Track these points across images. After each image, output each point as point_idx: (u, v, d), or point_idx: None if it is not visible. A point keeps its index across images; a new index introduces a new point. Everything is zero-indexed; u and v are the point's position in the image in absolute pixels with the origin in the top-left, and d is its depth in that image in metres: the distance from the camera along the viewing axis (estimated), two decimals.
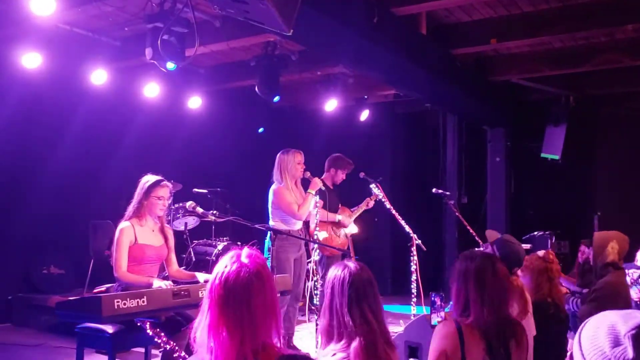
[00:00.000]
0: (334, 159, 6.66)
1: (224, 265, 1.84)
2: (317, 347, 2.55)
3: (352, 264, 2.52)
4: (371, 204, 6.67)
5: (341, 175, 6.60)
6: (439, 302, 3.66)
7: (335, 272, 2.51)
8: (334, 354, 2.34)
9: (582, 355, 1.22)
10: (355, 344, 2.34)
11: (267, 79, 7.12)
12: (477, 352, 2.62)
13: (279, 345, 1.86)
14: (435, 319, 3.58)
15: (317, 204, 5.85)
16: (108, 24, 6.52)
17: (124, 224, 4.23)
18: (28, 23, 6.08)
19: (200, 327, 1.81)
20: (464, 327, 2.66)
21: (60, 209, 7.41)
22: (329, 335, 2.44)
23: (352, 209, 6.80)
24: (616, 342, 1.18)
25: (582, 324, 1.25)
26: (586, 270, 5.65)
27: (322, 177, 6.60)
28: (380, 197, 6.36)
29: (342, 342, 2.38)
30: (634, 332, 1.17)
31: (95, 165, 7.72)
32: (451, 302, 2.89)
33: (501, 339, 2.66)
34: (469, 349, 2.62)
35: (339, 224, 6.54)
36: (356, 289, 2.43)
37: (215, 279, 1.84)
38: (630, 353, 1.15)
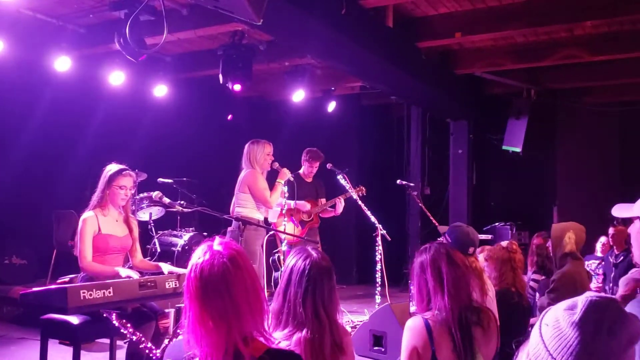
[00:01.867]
0: (305, 152, 6.77)
1: (197, 257, 1.82)
2: None
3: (314, 253, 2.50)
4: (340, 208, 6.73)
5: (309, 168, 6.64)
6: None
7: (295, 258, 2.49)
8: (279, 342, 2.34)
9: (540, 320, 1.25)
10: (301, 334, 2.34)
11: (233, 69, 7.09)
12: (445, 344, 2.65)
13: (266, 334, 1.84)
14: (413, 307, 3.65)
15: (286, 195, 5.88)
16: (73, 10, 6.42)
17: (87, 214, 4.18)
18: None
19: (187, 324, 1.79)
20: (431, 322, 2.67)
21: (23, 198, 7.29)
22: (278, 319, 2.43)
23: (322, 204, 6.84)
24: (571, 307, 1.21)
25: (545, 311, 1.28)
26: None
27: (300, 171, 6.70)
28: (347, 187, 6.43)
29: (288, 329, 2.38)
30: (590, 298, 1.20)
31: (58, 154, 7.60)
32: (414, 301, 2.91)
33: (464, 326, 2.68)
34: (438, 343, 2.64)
35: (298, 213, 6.59)
36: (314, 281, 2.41)
37: (190, 272, 1.81)
38: (577, 316, 1.18)
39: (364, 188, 6.72)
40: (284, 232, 5.85)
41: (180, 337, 1.95)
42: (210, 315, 1.75)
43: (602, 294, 1.27)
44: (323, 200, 6.82)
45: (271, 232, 6.12)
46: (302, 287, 2.41)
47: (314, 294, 2.41)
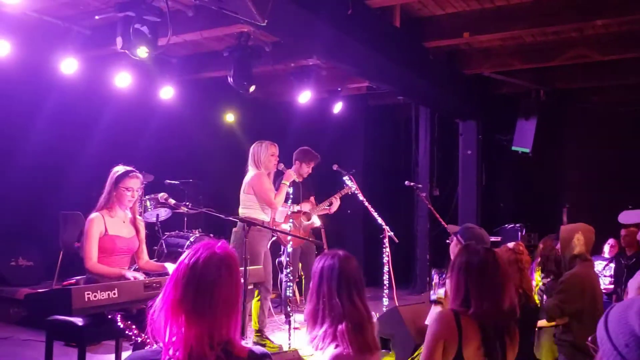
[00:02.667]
0: (298, 152, 6.63)
1: (197, 249, 1.84)
2: (308, 340, 2.54)
3: (342, 253, 2.58)
4: (335, 205, 6.67)
5: (306, 169, 6.55)
6: (437, 280, 3.70)
7: (323, 260, 2.56)
8: (336, 345, 2.35)
9: (609, 336, 1.20)
10: (341, 326, 2.37)
11: (240, 70, 7.07)
12: (473, 344, 2.64)
13: (240, 341, 1.84)
14: (433, 296, 3.63)
15: (291, 196, 5.85)
16: (78, 12, 6.42)
17: (93, 215, 4.18)
18: None
19: (159, 308, 1.78)
20: (463, 318, 2.66)
21: (30, 200, 7.30)
22: (314, 319, 2.46)
23: (317, 204, 6.78)
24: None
25: (609, 308, 1.24)
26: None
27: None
28: (353, 189, 6.39)
29: (326, 325, 2.40)
30: None
31: (65, 156, 7.61)
32: (436, 290, 2.91)
33: (498, 332, 2.69)
34: (467, 340, 2.63)
35: (299, 215, 6.54)
36: (347, 276, 2.49)
37: (185, 259, 1.82)
38: None
39: (350, 187, 6.69)
40: (288, 233, 5.82)
41: (140, 351, 1.93)
42: (185, 309, 1.75)
43: None
44: (313, 199, 6.79)
45: (274, 237, 6.09)
46: (335, 280, 2.47)
47: (348, 284, 2.47)
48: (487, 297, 2.69)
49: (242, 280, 1.94)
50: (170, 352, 1.74)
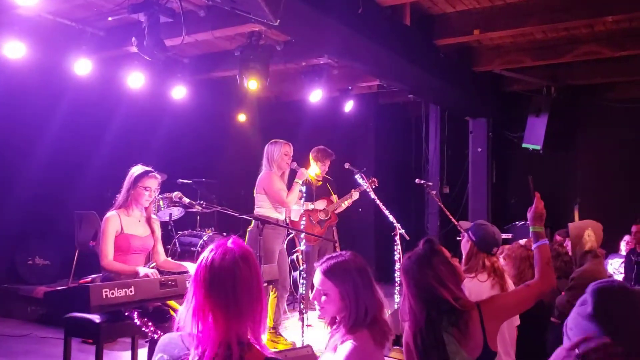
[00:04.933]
0: (314, 151, 6.73)
1: (210, 250, 1.87)
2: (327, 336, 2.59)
3: (346, 254, 2.60)
4: (355, 195, 6.68)
5: (322, 167, 6.62)
6: None
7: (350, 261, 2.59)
8: (353, 342, 2.39)
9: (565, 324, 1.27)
10: (367, 322, 2.44)
11: (251, 69, 7.11)
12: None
13: (261, 342, 1.86)
14: None
15: (304, 195, 5.89)
16: (92, 13, 6.48)
17: (110, 214, 4.24)
18: (11, 12, 6.04)
19: (186, 313, 1.82)
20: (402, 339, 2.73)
21: (45, 200, 7.38)
22: (347, 320, 2.50)
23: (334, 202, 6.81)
24: (582, 302, 1.23)
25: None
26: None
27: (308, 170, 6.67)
28: (365, 187, 6.42)
29: (356, 325, 2.45)
30: (595, 287, 1.22)
31: (80, 156, 7.69)
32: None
33: (433, 329, 2.64)
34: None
35: (315, 212, 6.58)
36: (368, 273, 2.54)
37: (201, 262, 1.86)
38: (589, 308, 1.20)
39: (375, 180, 6.70)
40: (303, 231, 5.86)
41: (171, 333, 1.98)
42: (211, 307, 1.78)
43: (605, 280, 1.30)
44: (336, 197, 6.81)
45: (291, 234, 6.13)
46: (368, 279, 2.52)
47: (370, 284, 2.53)
48: (415, 297, 2.69)
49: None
50: (199, 350, 1.77)
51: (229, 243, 1.87)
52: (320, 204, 6.56)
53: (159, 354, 1.90)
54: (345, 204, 6.78)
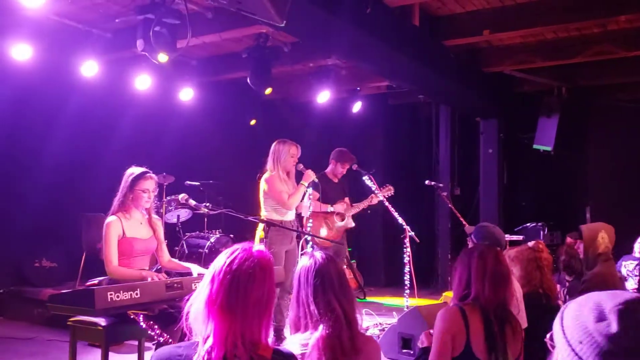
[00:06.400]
0: (334, 152, 6.65)
1: (235, 249, 1.93)
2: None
3: (319, 254, 2.49)
4: (375, 200, 6.58)
5: (341, 169, 6.56)
6: None
7: (302, 262, 2.51)
8: (301, 352, 2.31)
9: (564, 333, 1.19)
10: (317, 333, 2.31)
11: (258, 71, 7.10)
12: (479, 332, 2.71)
13: (269, 343, 1.91)
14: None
15: (310, 196, 5.83)
16: (99, 15, 6.48)
17: (110, 219, 4.18)
18: (18, 14, 6.04)
19: (197, 300, 1.88)
20: (466, 308, 2.75)
21: (52, 202, 7.37)
22: (296, 326, 2.42)
23: (352, 204, 6.71)
24: (600, 317, 1.14)
25: (565, 305, 1.23)
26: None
27: (326, 170, 6.59)
28: (374, 189, 6.36)
29: (307, 332, 2.35)
30: (620, 307, 1.14)
31: (87, 158, 7.68)
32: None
33: (499, 319, 2.74)
34: (473, 330, 2.70)
35: (332, 216, 6.51)
36: (322, 278, 2.40)
37: (222, 257, 1.92)
38: (614, 327, 1.12)
39: (391, 187, 6.62)
40: (308, 234, 5.81)
41: (166, 347, 2.00)
42: (220, 300, 1.84)
43: (620, 299, 1.19)
44: (348, 200, 6.74)
45: (301, 236, 6.06)
46: (311, 285, 2.41)
47: (323, 288, 2.40)
48: (488, 281, 2.79)
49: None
50: (206, 346, 1.82)
51: (254, 249, 1.94)
52: (340, 207, 6.49)
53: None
54: (362, 207, 6.68)
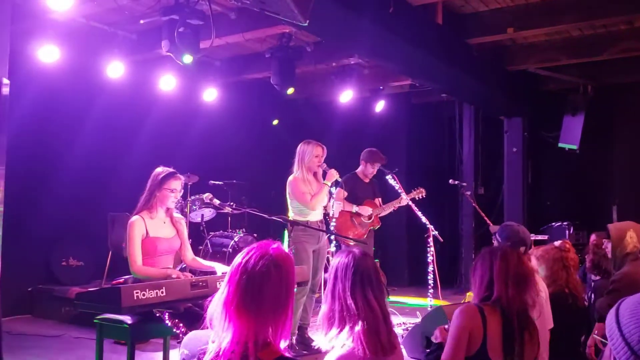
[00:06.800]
0: (365, 152, 6.61)
1: (251, 249, 1.93)
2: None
3: (356, 250, 2.52)
4: (404, 202, 6.54)
5: (371, 170, 6.53)
6: None
7: (338, 258, 2.52)
8: (343, 345, 2.33)
9: (619, 326, 1.17)
10: (358, 327, 2.33)
11: (281, 71, 7.12)
12: (497, 332, 2.68)
13: (284, 342, 1.90)
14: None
15: (333, 196, 5.83)
16: (124, 17, 6.55)
17: (134, 218, 4.19)
18: (45, 17, 6.13)
19: (216, 301, 1.90)
20: (486, 309, 2.72)
21: (79, 202, 7.47)
22: (330, 320, 2.43)
23: (382, 205, 6.67)
24: None
25: (619, 301, 1.20)
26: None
27: (357, 170, 6.57)
28: (397, 188, 6.33)
29: (345, 327, 2.37)
30: None
31: (112, 158, 7.77)
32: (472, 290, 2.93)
33: (518, 322, 2.71)
34: (491, 329, 2.68)
35: (358, 215, 6.48)
36: (360, 274, 2.42)
37: (239, 258, 1.93)
38: None
39: (423, 190, 6.57)
40: (333, 233, 5.81)
41: (198, 331, 2.05)
42: (237, 301, 1.85)
43: None
44: (379, 200, 6.71)
45: (327, 235, 6.06)
46: (350, 280, 2.42)
47: (362, 284, 2.42)
48: (510, 283, 2.75)
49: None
50: (224, 346, 1.83)
51: (270, 248, 1.93)
52: (365, 210, 6.45)
53: (182, 349, 1.96)
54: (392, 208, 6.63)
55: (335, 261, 2.52)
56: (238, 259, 1.93)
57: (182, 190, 4.44)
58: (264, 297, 1.85)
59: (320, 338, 2.46)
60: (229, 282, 1.89)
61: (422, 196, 6.53)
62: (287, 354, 1.91)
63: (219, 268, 4.24)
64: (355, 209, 6.38)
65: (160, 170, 4.33)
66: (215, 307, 1.89)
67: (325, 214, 6.02)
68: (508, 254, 2.84)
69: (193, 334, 2.01)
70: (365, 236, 6.45)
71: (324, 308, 2.48)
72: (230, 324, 1.84)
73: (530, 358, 2.75)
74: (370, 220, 6.54)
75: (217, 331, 1.88)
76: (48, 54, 6.42)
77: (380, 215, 6.58)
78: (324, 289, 6.53)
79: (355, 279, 2.42)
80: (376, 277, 2.48)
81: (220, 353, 1.82)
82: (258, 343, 1.82)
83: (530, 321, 2.81)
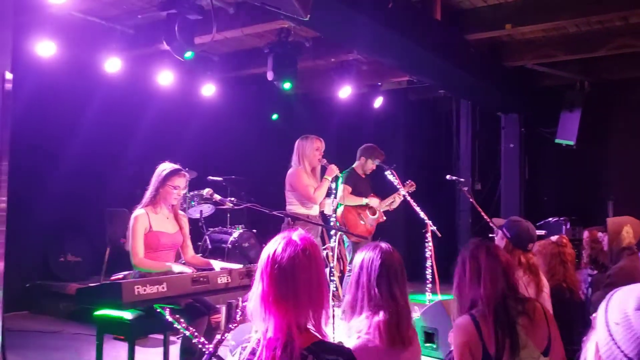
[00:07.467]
0: (364, 148, 6.62)
1: (276, 241, 1.97)
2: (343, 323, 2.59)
3: (384, 245, 2.58)
4: (399, 197, 6.54)
5: (371, 165, 6.55)
6: None
7: (366, 251, 2.56)
8: (358, 336, 2.35)
9: (606, 314, 1.19)
10: (379, 317, 2.37)
11: (280, 66, 7.10)
12: (491, 336, 2.63)
13: (321, 330, 1.95)
14: None
15: (333, 192, 5.84)
16: (122, 11, 6.54)
17: (138, 212, 4.22)
18: (42, 11, 6.11)
19: (254, 297, 1.93)
20: (477, 316, 2.67)
21: (77, 197, 7.46)
22: (353, 309, 2.48)
23: (382, 200, 6.68)
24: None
25: (614, 290, 1.22)
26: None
27: (354, 166, 6.58)
28: (395, 183, 6.34)
29: (365, 314, 2.40)
30: None
31: (110, 154, 7.75)
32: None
33: (505, 315, 2.64)
34: (487, 336, 2.62)
35: (365, 210, 6.49)
36: (387, 267, 2.48)
37: (266, 251, 1.96)
38: None
39: (414, 183, 6.60)
40: (344, 231, 5.83)
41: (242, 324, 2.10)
42: (273, 294, 1.89)
43: None
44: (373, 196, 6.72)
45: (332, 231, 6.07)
46: (376, 271, 2.48)
47: (388, 276, 2.48)
48: (484, 280, 2.68)
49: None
50: (267, 334, 1.88)
51: (294, 236, 1.96)
52: (375, 201, 6.48)
53: (230, 340, 2.02)
54: (396, 201, 6.62)
55: (360, 255, 2.57)
56: (265, 252, 1.96)
57: (186, 188, 4.44)
58: (298, 284, 1.89)
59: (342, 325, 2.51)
60: (261, 277, 1.92)
61: (413, 189, 6.53)
62: (327, 339, 1.96)
63: (217, 265, 4.24)
64: (365, 201, 6.40)
65: (165, 166, 4.32)
66: (254, 303, 1.92)
67: (320, 212, 6.03)
68: (476, 253, 2.77)
69: (242, 324, 2.09)
70: (373, 231, 6.49)
71: (348, 297, 2.53)
72: (270, 316, 1.88)
73: (541, 338, 2.67)
74: (376, 217, 6.57)
75: (258, 324, 1.91)
76: (45, 49, 6.40)
77: (383, 210, 6.63)
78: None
79: (382, 270, 2.48)
80: (401, 273, 2.54)
81: (264, 341, 1.86)
82: (301, 328, 1.87)
83: (528, 304, 2.72)
